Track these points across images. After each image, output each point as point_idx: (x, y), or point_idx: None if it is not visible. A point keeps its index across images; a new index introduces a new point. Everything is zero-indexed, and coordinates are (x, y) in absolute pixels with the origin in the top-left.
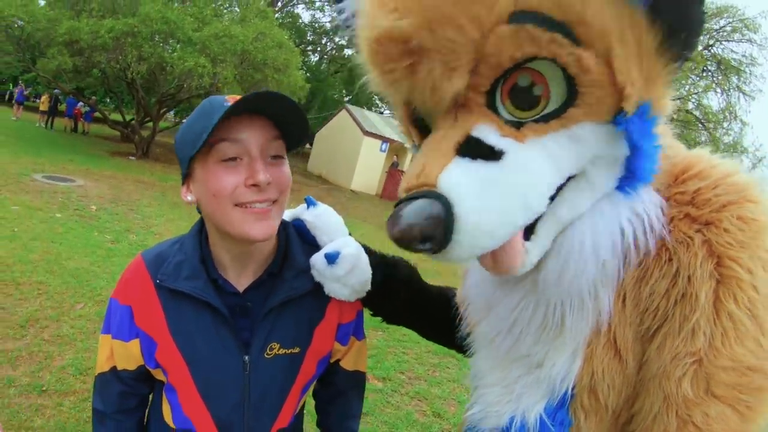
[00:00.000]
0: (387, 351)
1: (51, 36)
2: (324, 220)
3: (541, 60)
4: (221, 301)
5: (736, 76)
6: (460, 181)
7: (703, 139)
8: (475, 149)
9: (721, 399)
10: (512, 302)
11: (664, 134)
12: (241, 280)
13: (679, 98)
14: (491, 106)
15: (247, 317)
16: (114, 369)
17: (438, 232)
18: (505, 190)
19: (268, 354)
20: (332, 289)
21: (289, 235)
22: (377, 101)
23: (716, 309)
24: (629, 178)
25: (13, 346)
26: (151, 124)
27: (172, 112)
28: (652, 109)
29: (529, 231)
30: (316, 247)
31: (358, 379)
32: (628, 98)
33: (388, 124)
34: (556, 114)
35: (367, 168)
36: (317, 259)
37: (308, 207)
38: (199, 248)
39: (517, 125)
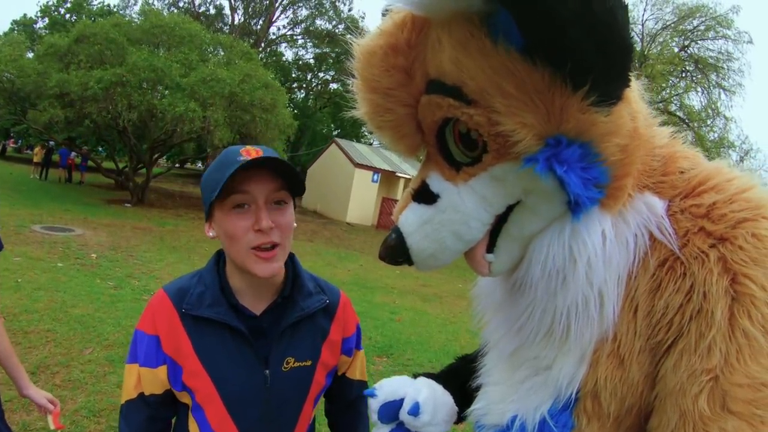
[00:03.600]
0: (392, 376)
1: (41, 88)
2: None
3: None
4: (242, 323)
5: (715, 74)
6: (408, 220)
7: (689, 138)
8: (422, 195)
9: (737, 415)
10: (519, 308)
11: (675, 147)
12: (256, 304)
13: (661, 101)
14: (444, 152)
15: (264, 337)
16: (141, 395)
17: (397, 254)
18: (437, 226)
19: (285, 367)
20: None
21: (295, 263)
22: (366, 133)
23: (731, 326)
24: (575, 203)
25: None
26: (144, 170)
27: (164, 158)
28: (567, 137)
29: (491, 245)
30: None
31: (363, 388)
32: (519, 143)
33: (377, 154)
34: (478, 160)
35: (360, 200)
36: (405, 418)
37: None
38: (218, 279)
39: (458, 168)
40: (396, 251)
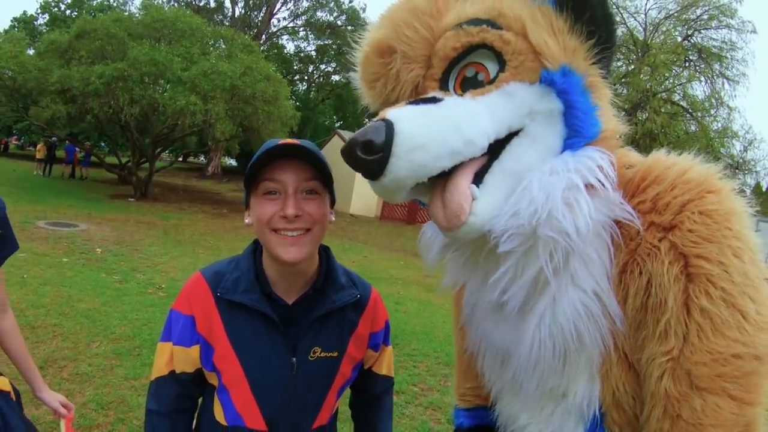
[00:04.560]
0: (398, 365)
1: (42, 85)
2: None
3: (476, 50)
4: (273, 311)
5: (718, 63)
6: (402, 111)
7: (692, 128)
8: (420, 99)
9: (708, 391)
10: (527, 340)
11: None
12: (289, 294)
13: (664, 91)
14: (443, 89)
15: (295, 326)
16: (173, 372)
17: (377, 137)
18: (440, 116)
19: (311, 357)
20: None
21: (330, 257)
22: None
23: (687, 307)
24: (573, 137)
25: None
26: (147, 165)
27: (167, 152)
28: (576, 71)
29: (477, 180)
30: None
31: (389, 384)
32: (545, 55)
33: None
34: (490, 82)
35: (364, 191)
36: None
37: None
38: (253, 267)
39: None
40: (375, 135)
